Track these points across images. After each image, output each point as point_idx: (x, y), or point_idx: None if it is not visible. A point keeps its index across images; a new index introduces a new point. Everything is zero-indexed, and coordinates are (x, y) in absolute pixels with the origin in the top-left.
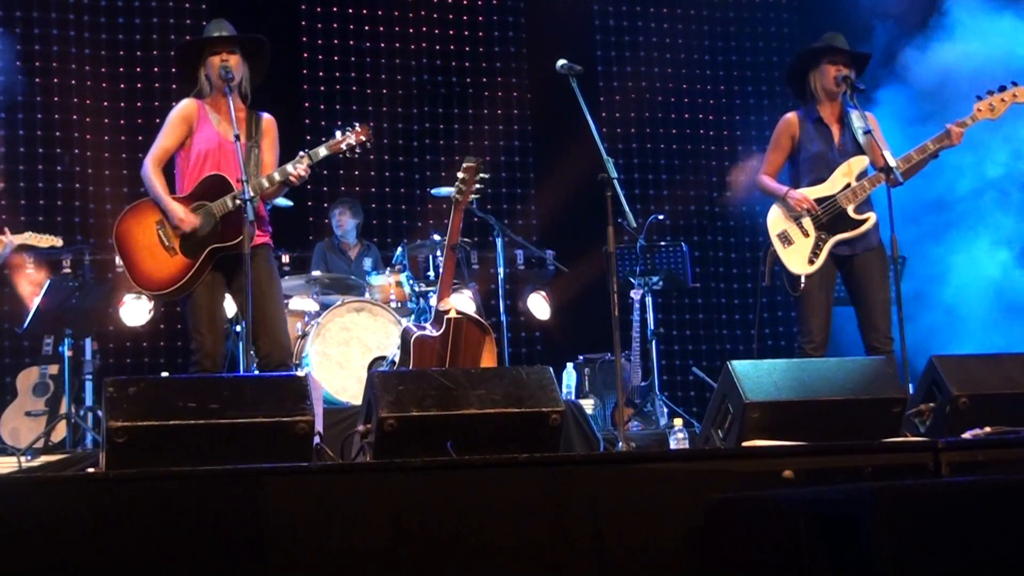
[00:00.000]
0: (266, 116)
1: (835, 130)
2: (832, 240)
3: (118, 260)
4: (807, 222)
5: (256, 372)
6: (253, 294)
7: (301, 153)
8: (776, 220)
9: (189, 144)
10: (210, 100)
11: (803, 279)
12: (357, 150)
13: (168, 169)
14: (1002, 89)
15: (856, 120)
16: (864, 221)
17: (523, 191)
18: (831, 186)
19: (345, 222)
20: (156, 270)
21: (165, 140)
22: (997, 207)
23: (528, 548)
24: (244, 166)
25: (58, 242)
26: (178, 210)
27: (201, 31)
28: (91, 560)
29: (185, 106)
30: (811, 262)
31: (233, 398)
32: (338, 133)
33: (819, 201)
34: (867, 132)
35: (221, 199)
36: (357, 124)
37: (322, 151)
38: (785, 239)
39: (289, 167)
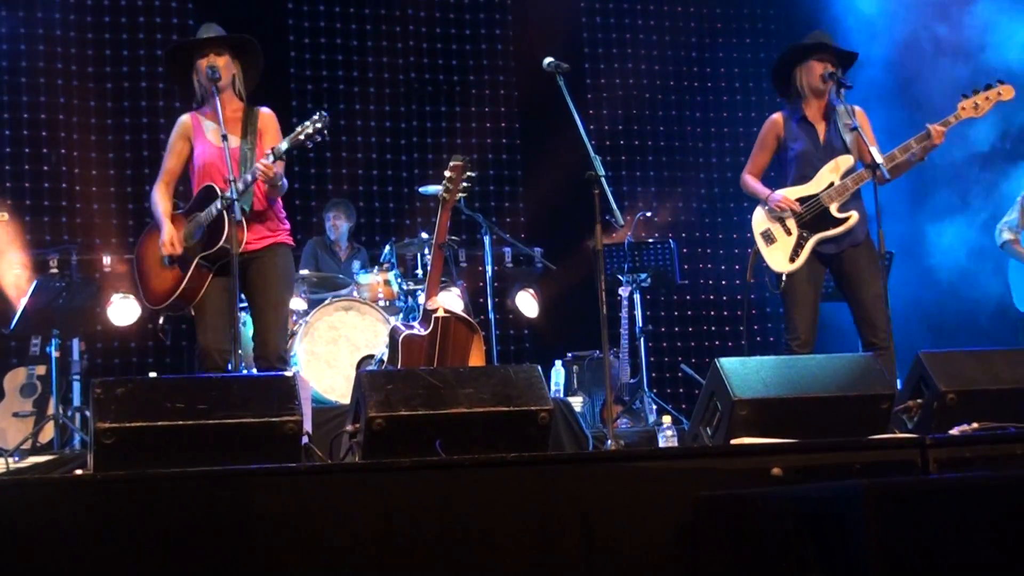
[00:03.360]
0: (264, 111)
1: (820, 128)
2: (814, 238)
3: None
4: (790, 221)
5: (245, 372)
6: (255, 294)
7: (268, 150)
8: (760, 219)
9: (192, 158)
10: (204, 108)
11: (784, 277)
12: (317, 138)
13: (184, 186)
14: (987, 87)
15: (843, 117)
16: (846, 219)
17: (511, 189)
18: (815, 185)
19: (340, 226)
20: (157, 286)
21: (168, 162)
22: None
23: (517, 547)
24: (230, 166)
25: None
26: (166, 233)
27: (188, 30)
28: (80, 562)
29: (181, 123)
30: (792, 260)
31: (221, 398)
32: (298, 126)
33: (802, 200)
34: (854, 129)
35: (207, 208)
36: (316, 113)
37: (284, 144)
38: (768, 238)
39: (257, 166)
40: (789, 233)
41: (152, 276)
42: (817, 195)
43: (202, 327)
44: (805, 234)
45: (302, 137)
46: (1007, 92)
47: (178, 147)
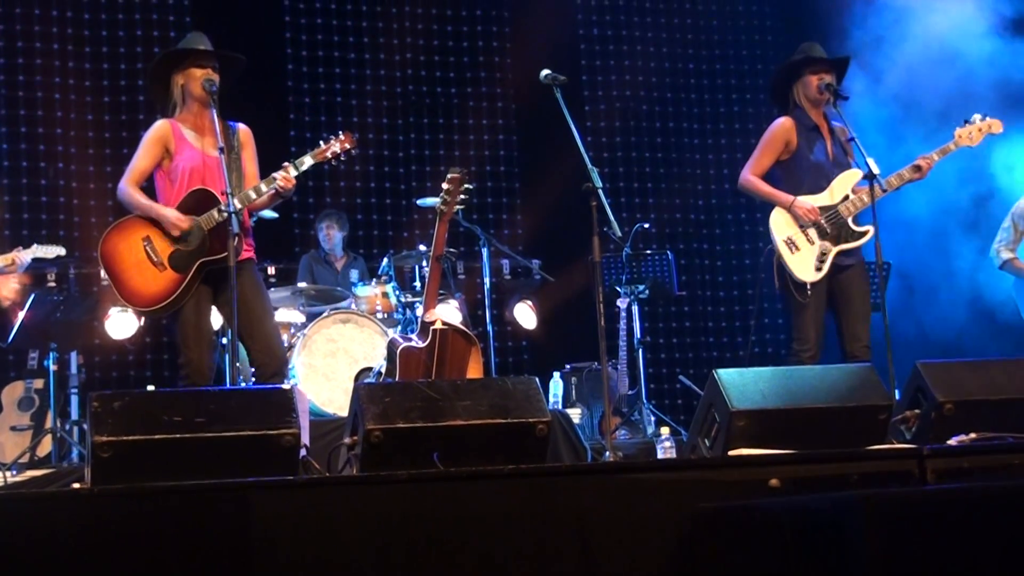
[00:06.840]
0: (242, 127)
1: (828, 139)
2: (836, 250)
3: (103, 275)
4: (811, 230)
5: (245, 384)
6: (241, 307)
7: (285, 163)
8: (781, 225)
9: (169, 166)
10: (184, 116)
11: (810, 287)
12: (342, 157)
13: (148, 192)
14: (977, 119)
15: (839, 131)
16: (865, 233)
17: (508, 201)
18: (831, 196)
19: (332, 235)
20: (145, 286)
21: (140, 162)
22: None
23: (515, 559)
24: (228, 179)
25: (62, 251)
26: (170, 213)
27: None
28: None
29: (159, 127)
30: (818, 270)
31: (219, 411)
32: (323, 142)
33: (821, 210)
34: (851, 140)
35: (208, 212)
36: (341, 132)
37: (307, 160)
38: (792, 245)
39: (277, 177)
40: (811, 243)
41: (134, 275)
42: (835, 206)
43: (187, 341)
44: (827, 245)
45: (328, 155)
46: (996, 126)
47: (154, 151)
